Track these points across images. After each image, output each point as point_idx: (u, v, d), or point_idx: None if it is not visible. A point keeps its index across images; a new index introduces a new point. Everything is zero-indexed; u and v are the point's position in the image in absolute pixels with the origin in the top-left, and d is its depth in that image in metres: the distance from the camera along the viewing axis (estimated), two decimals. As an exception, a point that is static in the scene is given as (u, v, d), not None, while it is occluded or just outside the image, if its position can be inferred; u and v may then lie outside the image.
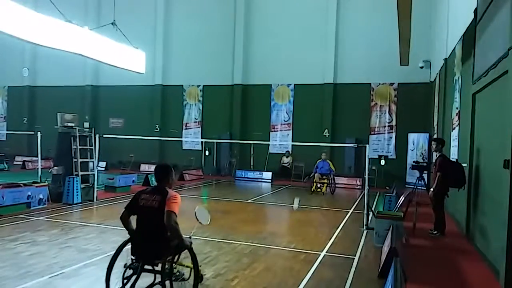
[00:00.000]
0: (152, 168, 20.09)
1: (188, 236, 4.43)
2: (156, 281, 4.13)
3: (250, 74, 20.80)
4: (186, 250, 4.27)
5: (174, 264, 4.25)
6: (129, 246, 4.21)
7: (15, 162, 22.19)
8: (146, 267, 4.13)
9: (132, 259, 4.14)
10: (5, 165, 19.68)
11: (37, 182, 10.58)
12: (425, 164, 10.14)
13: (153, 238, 4.07)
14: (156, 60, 21.79)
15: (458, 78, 10.23)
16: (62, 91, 24.11)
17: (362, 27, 18.78)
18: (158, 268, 4.07)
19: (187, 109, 22.21)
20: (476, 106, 8.17)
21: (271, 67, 20.21)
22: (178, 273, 4.37)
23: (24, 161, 20.81)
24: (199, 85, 21.90)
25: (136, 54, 11.96)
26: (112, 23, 11.77)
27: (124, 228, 4.30)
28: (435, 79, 15.16)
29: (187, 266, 4.47)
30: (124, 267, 4.09)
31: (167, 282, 4.02)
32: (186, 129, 22.20)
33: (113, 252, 4.22)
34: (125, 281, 4.08)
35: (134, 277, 4.11)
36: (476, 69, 7.80)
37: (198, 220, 4.66)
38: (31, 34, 7.95)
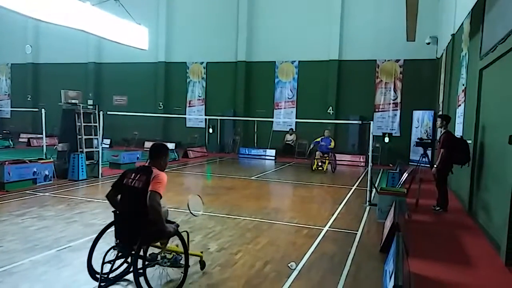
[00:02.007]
0: (156, 145, 20.40)
1: (173, 223, 4.15)
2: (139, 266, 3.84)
3: (253, 51, 20.58)
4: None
5: (162, 251, 4.13)
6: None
7: (20, 140, 22.36)
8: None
9: (116, 242, 4.00)
10: (10, 142, 19.83)
11: (42, 159, 10.67)
12: (429, 141, 10.10)
13: (134, 221, 3.85)
14: (159, 36, 21.57)
15: (465, 54, 10.08)
16: (65, 68, 24.01)
17: (368, 3, 18.42)
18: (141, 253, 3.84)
19: (190, 86, 22.10)
20: (483, 82, 8.07)
21: (275, 44, 19.97)
22: (172, 259, 4.24)
23: (29, 139, 20.98)
24: (203, 62, 21.72)
25: (139, 30, 11.79)
26: (114, -2, 11.59)
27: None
28: (442, 55, 14.94)
29: (180, 253, 4.29)
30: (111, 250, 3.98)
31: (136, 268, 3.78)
32: (189, 106, 22.15)
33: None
34: (104, 265, 3.91)
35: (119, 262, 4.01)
36: (484, 44, 7.67)
37: (190, 211, 4.39)
38: (33, 10, 7.84)
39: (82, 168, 10.89)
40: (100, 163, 11.49)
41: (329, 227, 6.97)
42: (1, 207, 7.75)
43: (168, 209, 4.39)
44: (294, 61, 19.98)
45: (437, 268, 5.23)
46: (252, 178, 12.71)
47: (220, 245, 5.73)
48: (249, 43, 20.54)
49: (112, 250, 3.99)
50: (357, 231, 6.78)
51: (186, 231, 4.25)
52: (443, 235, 6.79)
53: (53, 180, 10.38)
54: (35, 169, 9.90)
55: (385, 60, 18.49)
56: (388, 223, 6.09)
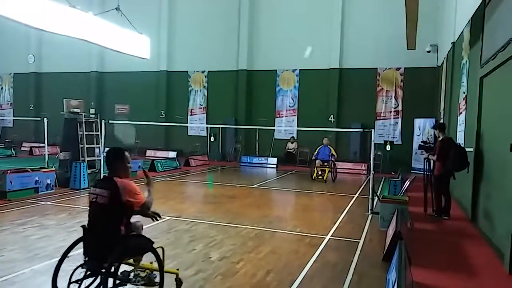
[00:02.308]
0: (158, 154, 20.42)
1: (148, 240, 3.84)
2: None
3: (255, 59, 20.67)
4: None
5: (135, 269, 3.86)
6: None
7: (22, 148, 22.40)
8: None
9: (84, 260, 3.64)
10: (12, 151, 19.88)
11: (44, 168, 10.68)
12: (432, 145, 10.01)
13: (104, 237, 3.53)
14: (160, 45, 21.69)
15: (466, 62, 10.10)
16: (68, 78, 24.17)
17: (369, 11, 18.52)
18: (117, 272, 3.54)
19: (192, 95, 22.17)
20: (484, 90, 8.08)
21: (276, 52, 20.05)
22: (146, 277, 3.91)
23: (31, 147, 20.99)
24: (204, 71, 21.81)
25: (140, 39, 11.90)
26: (116, 8, 11.70)
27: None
28: (442, 63, 14.98)
29: (155, 270, 3.95)
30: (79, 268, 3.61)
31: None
32: (191, 115, 22.20)
33: None
34: (72, 285, 3.55)
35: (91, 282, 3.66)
36: (484, 52, 7.69)
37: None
38: (36, 19, 7.92)
39: (84, 177, 10.89)
40: (102, 171, 11.49)
41: (331, 236, 6.94)
42: (3, 216, 7.75)
43: (142, 224, 4.10)
44: (295, 70, 20.04)
45: (440, 276, 5.19)
46: (253, 186, 12.69)
47: (222, 254, 5.70)
48: (250, 51, 20.64)
49: (80, 269, 3.61)
50: (360, 239, 6.75)
51: (162, 247, 3.88)
52: (446, 243, 6.75)
53: (54, 189, 10.38)
54: (37, 178, 9.90)
55: (385, 68, 18.54)
56: (390, 232, 6.06)
